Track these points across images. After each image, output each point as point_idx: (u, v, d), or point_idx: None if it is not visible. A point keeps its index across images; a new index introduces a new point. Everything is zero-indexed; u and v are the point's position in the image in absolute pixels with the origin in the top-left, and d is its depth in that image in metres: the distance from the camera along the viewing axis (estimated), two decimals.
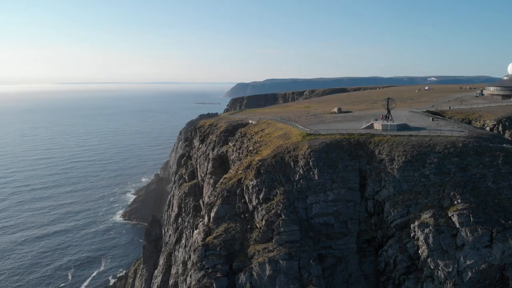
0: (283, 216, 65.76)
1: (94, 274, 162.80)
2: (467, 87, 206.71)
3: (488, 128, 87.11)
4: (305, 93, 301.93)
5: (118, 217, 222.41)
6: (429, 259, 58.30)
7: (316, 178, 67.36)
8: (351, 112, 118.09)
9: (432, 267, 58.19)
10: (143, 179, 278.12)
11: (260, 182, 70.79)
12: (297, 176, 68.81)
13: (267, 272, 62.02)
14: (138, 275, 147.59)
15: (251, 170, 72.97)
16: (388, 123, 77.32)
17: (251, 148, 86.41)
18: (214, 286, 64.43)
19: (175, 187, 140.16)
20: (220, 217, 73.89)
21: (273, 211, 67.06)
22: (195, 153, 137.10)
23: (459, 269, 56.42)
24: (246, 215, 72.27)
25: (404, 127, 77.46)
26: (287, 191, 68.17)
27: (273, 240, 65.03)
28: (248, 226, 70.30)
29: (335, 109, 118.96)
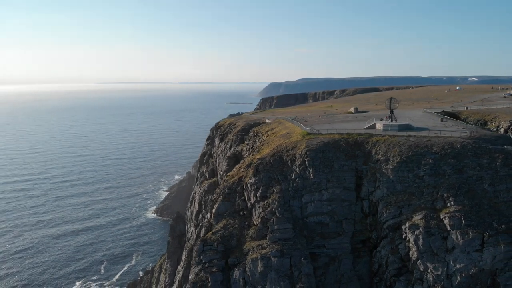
0: (278, 214, 66.82)
1: (126, 268, 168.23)
2: (499, 88, 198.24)
3: (502, 130, 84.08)
4: (335, 93, 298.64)
5: (150, 213, 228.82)
6: (418, 261, 57.66)
7: (312, 177, 67.90)
8: (368, 112, 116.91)
9: (421, 270, 57.51)
10: (176, 177, 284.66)
11: (258, 180, 72.12)
12: (294, 175, 69.61)
13: (259, 269, 63.32)
14: (163, 270, 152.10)
15: (251, 168, 74.43)
16: (389, 123, 76.46)
17: (258, 146, 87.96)
18: (210, 280, 66.54)
19: (197, 185, 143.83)
20: (220, 214, 75.85)
21: (268, 209, 68.25)
22: (215, 151, 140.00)
23: (449, 272, 55.47)
24: (245, 212, 73.82)
25: (406, 127, 76.35)
26: (283, 190, 69.11)
27: (267, 238, 66.25)
28: (246, 223, 71.81)
29: (352, 109, 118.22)
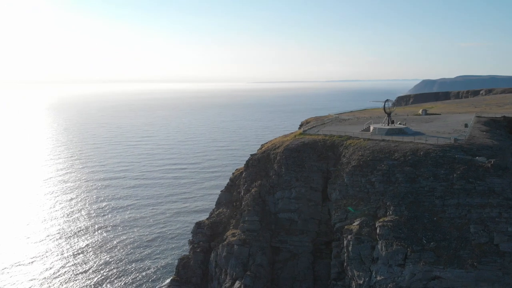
0: (249, 207, 71.42)
1: None
2: None
3: None
4: (481, 92, 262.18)
5: None
6: (348, 268, 56.24)
7: (284, 175, 70.24)
8: (439, 114, 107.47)
9: (349, 276, 55.99)
10: None
11: (247, 175, 77.43)
12: (272, 172, 72.85)
13: (224, 254, 69.56)
14: None
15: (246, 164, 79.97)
16: (378, 127, 71.75)
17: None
18: (192, 258, 75.60)
19: None
20: (220, 203, 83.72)
21: (246, 202, 73.30)
22: None
23: (370, 283, 53.02)
24: (237, 203, 79.93)
25: (398, 131, 70.42)
26: (262, 185, 73.05)
27: (238, 227, 71.62)
28: (235, 213, 78.04)
29: (420, 111, 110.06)
